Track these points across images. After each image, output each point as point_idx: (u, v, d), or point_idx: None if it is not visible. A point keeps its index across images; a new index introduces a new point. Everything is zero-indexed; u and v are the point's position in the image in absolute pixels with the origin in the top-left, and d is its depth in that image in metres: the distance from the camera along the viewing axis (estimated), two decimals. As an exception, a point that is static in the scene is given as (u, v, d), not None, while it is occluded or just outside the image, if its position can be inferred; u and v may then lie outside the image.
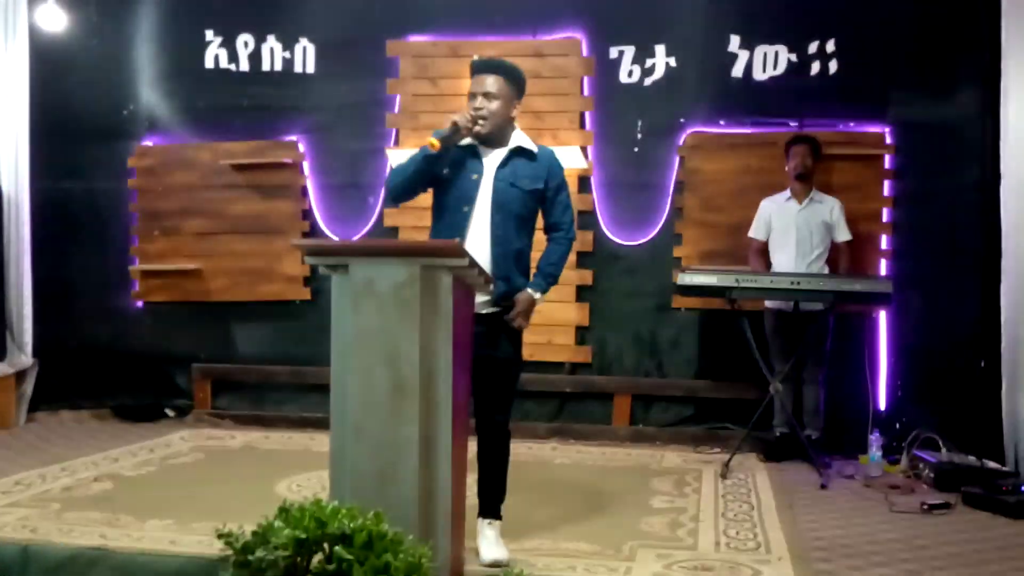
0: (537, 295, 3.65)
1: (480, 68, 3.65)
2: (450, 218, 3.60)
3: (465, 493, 3.29)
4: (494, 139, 3.63)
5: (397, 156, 6.27)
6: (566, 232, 3.76)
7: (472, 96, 3.60)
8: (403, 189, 3.65)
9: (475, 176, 3.60)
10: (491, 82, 3.59)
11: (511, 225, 3.60)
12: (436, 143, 3.45)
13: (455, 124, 3.49)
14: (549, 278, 3.71)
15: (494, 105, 3.58)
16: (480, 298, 3.50)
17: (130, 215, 6.72)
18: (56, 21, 6.46)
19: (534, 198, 3.67)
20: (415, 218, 6.19)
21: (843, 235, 5.62)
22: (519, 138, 3.68)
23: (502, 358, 3.61)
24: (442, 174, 3.62)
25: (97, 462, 5.28)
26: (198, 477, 5.04)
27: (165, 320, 6.70)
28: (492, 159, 3.63)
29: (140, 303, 6.73)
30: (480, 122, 3.55)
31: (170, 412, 6.66)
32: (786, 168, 5.67)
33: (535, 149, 3.69)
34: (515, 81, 3.66)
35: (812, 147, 5.63)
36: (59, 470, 5.04)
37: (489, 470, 3.67)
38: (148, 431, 6.20)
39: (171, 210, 6.66)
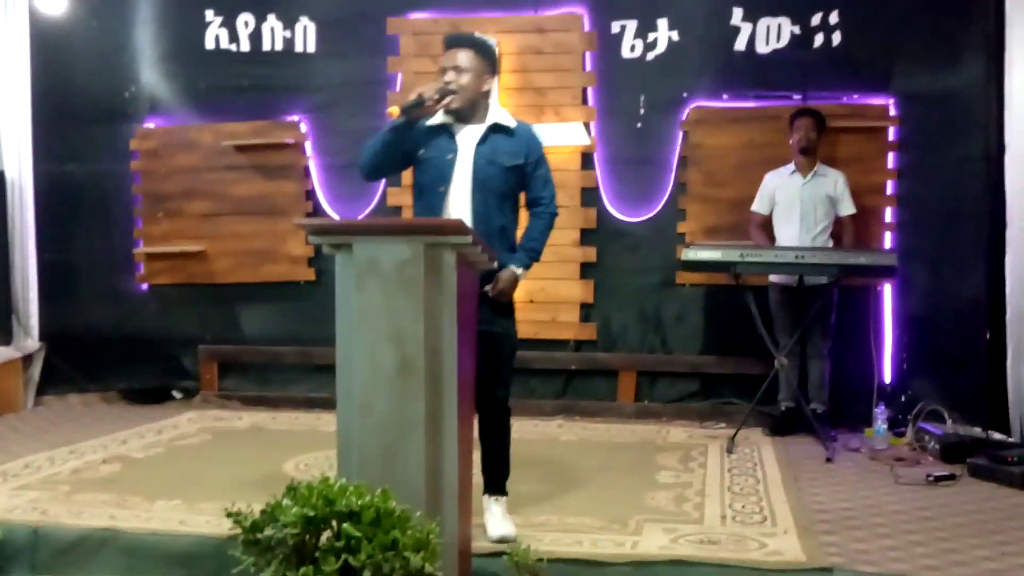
0: (519, 271, 3.63)
1: (451, 43, 3.61)
2: (427, 199, 3.58)
3: (472, 470, 3.30)
4: (468, 115, 3.59)
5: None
6: (546, 206, 3.71)
7: (442, 71, 3.57)
8: (373, 165, 3.63)
9: (450, 156, 3.56)
10: (462, 56, 3.55)
11: (492, 202, 3.56)
12: (395, 111, 3.41)
13: (420, 95, 3.45)
14: (532, 253, 3.68)
15: (464, 79, 3.53)
16: None
17: (133, 197, 6.72)
18: (56, 3, 6.44)
19: (515, 174, 3.62)
20: (418, 197, 6.18)
21: (847, 209, 5.60)
22: (497, 114, 3.64)
23: (497, 335, 3.59)
24: (418, 154, 3.59)
25: (105, 444, 5.30)
26: (206, 458, 5.07)
27: (170, 302, 6.71)
28: (468, 137, 3.59)
29: (145, 285, 6.74)
30: (449, 95, 3.50)
31: (177, 394, 6.69)
32: (790, 141, 5.65)
33: (513, 125, 3.64)
34: (487, 56, 3.62)
35: (816, 120, 5.60)
36: (68, 452, 5.07)
37: (492, 448, 3.69)
38: (155, 413, 6.23)
39: (174, 192, 6.66)
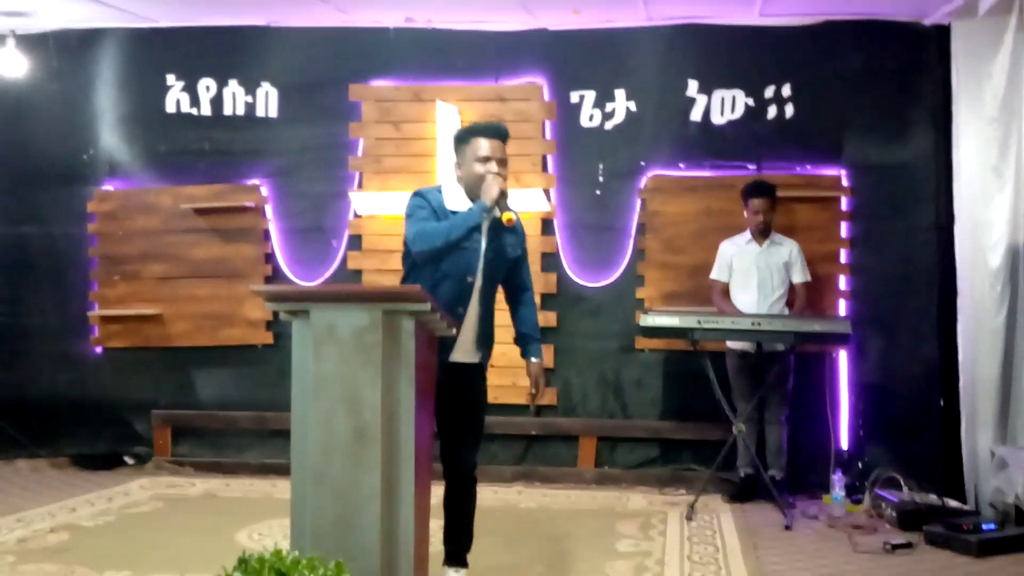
0: (540, 359, 3.67)
1: (496, 134, 3.52)
2: (452, 286, 3.47)
3: (428, 539, 3.26)
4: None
5: (360, 199, 6.29)
6: (531, 290, 3.75)
7: (487, 160, 3.46)
8: (440, 253, 3.42)
9: (478, 247, 3.51)
10: (503, 148, 3.51)
11: (493, 292, 3.59)
12: (512, 217, 3.40)
13: (503, 191, 3.40)
14: (539, 339, 3.70)
15: (506, 171, 3.51)
16: (462, 350, 3.51)
17: (89, 260, 6.64)
18: (16, 65, 6.43)
19: (511, 265, 3.64)
20: (379, 261, 6.20)
21: (800, 276, 5.68)
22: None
23: (475, 405, 3.61)
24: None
25: (54, 512, 5.18)
26: (157, 527, 4.96)
27: (125, 366, 6.60)
28: (484, 227, 3.53)
29: (99, 349, 6.64)
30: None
31: (129, 460, 6.54)
32: (744, 213, 5.73)
33: (518, 217, 3.58)
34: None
35: (770, 199, 5.64)
36: (14, 521, 4.95)
37: (457, 516, 3.64)
38: (107, 479, 6.10)
39: (131, 255, 6.59)
